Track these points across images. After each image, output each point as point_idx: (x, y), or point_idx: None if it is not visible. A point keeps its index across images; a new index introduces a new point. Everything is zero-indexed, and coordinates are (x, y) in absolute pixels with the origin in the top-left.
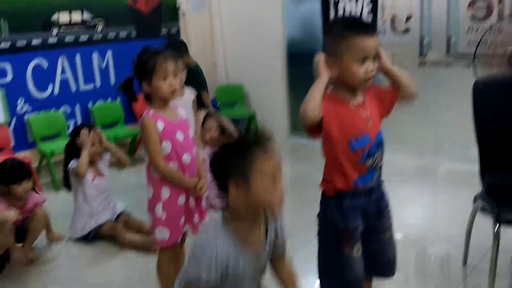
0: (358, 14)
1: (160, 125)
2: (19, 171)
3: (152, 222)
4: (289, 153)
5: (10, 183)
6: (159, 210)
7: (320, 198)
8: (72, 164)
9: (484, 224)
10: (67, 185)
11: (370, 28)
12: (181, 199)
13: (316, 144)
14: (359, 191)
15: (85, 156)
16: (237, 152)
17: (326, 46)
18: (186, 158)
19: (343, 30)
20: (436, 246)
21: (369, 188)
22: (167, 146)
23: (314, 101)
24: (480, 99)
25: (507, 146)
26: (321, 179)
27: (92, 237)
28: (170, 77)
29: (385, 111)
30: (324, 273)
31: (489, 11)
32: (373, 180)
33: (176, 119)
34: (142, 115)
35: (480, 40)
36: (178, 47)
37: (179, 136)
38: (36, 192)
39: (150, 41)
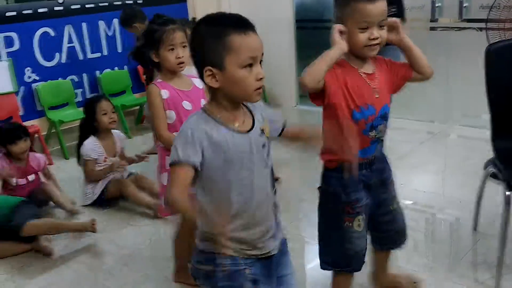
0: None
1: (165, 94)
2: (14, 132)
3: (159, 189)
4: (297, 120)
5: (6, 143)
6: (164, 179)
7: (322, 171)
8: (87, 152)
9: (495, 190)
10: (79, 163)
11: None
12: None
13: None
14: (361, 163)
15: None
16: (209, 34)
17: (334, 13)
18: None
19: None
20: (446, 212)
21: (370, 159)
22: (171, 115)
23: (316, 70)
24: (493, 64)
25: None
26: (321, 150)
27: (103, 200)
28: (177, 49)
29: (395, 86)
30: (324, 246)
31: None
32: (374, 152)
33: (188, 88)
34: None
35: (493, 4)
36: (132, 15)
37: (186, 105)
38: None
39: (157, 8)
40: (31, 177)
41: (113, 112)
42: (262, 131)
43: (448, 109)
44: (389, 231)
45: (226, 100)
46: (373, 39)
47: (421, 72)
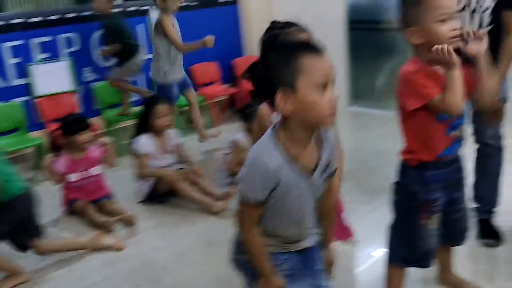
0: None
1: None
2: (79, 123)
3: None
4: (349, 122)
5: (72, 133)
6: None
7: (400, 167)
8: (141, 146)
9: None
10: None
11: None
12: None
13: (375, 113)
14: (442, 162)
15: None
16: (281, 56)
17: (405, 16)
18: None
19: None
20: (502, 218)
21: (452, 158)
22: None
23: (462, 96)
24: None
25: None
26: (403, 149)
27: (157, 196)
28: None
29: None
30: (396, 242)
31: None
32: (456, 151)
33: None
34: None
35: None
36: None
37: None
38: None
39: (208, 10)
40: (94, 170)
41: (168, 115)
42: (326, 168)
43: None
44: (455, 228)
45: (299, 127)
46: (454, 30)
47: (483, 94)
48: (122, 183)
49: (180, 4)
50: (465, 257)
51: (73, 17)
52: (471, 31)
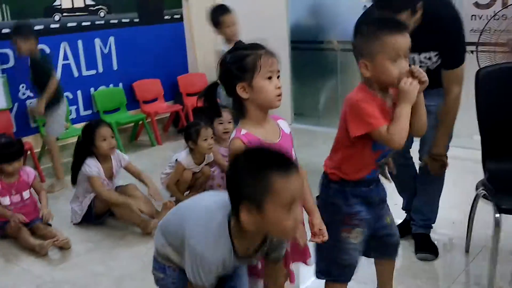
0: None
1: None
2: (9, 150)
3: None
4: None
5: (2, 162)
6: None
7: (322, 181)
8: (91, 169)
9: (487, 211)
10: (74, 182)
11: (402, 26)
12: None
13: (318, 130)
14: (361, 181)
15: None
16: (251, 171)
17: (359, 47)
18: None
19: (375, 30)
20: (439, 232)
21: (370, 180)
22: None
23: (405, 129)
24: (483, 87)
25: (510, 134)
26: (327, 163)
27: (93, 217)
28: (275, 78)
29: None
30: (319, 255)
31: None
32: (376, 175)
33: (277, 137)
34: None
35: (484, 28)
36: (20, 31)
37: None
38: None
39: (152, 27)
40: (26, 194)
41: (112, 137)
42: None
43: None
44: (385, 244)
45: (256, 234)
46: (405, 70)
47: (415, 128)
48: (56, 205)
49: None
50: (404, 271)
51: (7, 32)
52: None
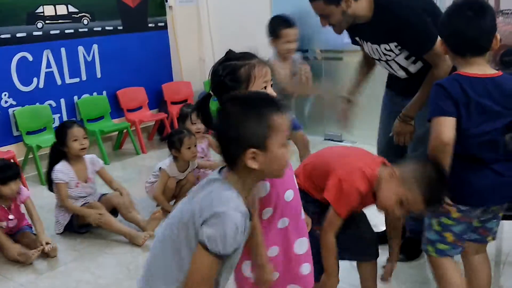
0: None
1: None
2: (6, 172)
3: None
4: None
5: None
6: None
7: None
8: (58, 175)
9: None
10: (50, 188)
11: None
12: None
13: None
14: None
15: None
16: (250, 115)
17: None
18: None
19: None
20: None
21: None
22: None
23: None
24: None
25: None
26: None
27: (76, 226)
28: (269, 88)
29: None
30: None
31: None
32: None
33: None
34: None
35: None
36: None
37: (288, 196)
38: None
39: (136, 35)
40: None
41: (84, 138)
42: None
43: None
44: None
45: (255, 180)
46: None
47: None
48: (41, 213)
49: None
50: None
51: None
52: None
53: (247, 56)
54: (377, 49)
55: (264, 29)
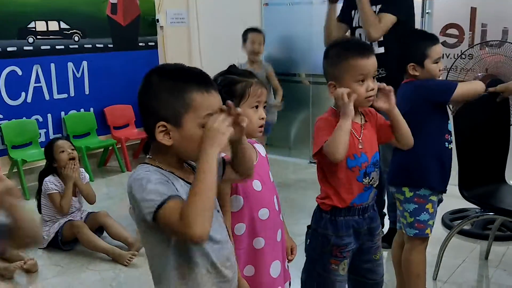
0: None
1: None
2: None
3: None
4: None
5: None
6: None
7: (315, 212)
8: (49, 186)
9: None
10: (39, 209)
11: (366, 48)
12: None
13: (290, 161)
14: (354, 209)
15: (69, 192)
16: (168, 87)
17: (327, 71)
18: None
19: (341, 53)
20: None
21: (364, 206)
22: (238, 201)
23: (344, 145)
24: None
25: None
26: (319, 195)
27: (60, 242)
28: (261, 108)
29: (380, 140)
30: (306, 286)
31: (460, 37)
32: (368, 199)
33: (254, 160)
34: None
35: (451, 66)
36: None
37: (256, 185)
38: None
39: (126, 54)
40: None
41: (72, 149)
42: None
43: None
44: (367, 279)
45: (175, 158)
46: (371, 90)
47: (401, 142)
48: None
49: None
50: None
51: None
52: (380, 87)
53: (247, 74)
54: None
55: None
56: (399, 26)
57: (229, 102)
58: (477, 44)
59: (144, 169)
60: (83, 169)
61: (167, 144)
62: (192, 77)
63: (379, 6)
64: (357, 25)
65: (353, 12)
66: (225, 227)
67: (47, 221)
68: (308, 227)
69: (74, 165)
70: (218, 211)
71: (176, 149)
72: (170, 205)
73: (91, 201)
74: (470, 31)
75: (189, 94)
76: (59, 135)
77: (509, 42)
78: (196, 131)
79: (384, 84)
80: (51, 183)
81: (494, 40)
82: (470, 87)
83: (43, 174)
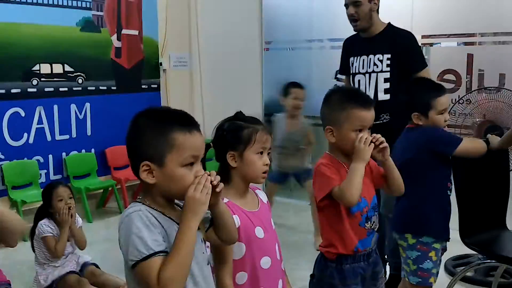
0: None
1: (236, 221)
2: None
3: None
4: None
5: None
6: None
7: (318, 259)
8: (44, 229)
9: None
10: (33, 249)
11: (369, 102)
12: None
13: (289, 202)
14: (359, 255)
15: (65, 236)
16: (152, 127)
17: (327, 115)
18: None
19: (343, 101)
20: None
21: (368, 252)
22: (241, 249)
23: (359, 189)
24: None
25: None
26: (322, 243)
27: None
28: (265, 155)
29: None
30: None
31: (458, 82)
32: (371, 244)
33: (256, 207)
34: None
35: (449, 110)
36: None
37: (259, 232)
38: None
39: (129, 96)
40: None
41: (70, 198)
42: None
43: None
44: None
45: (162, 197)
46: (368, 139)
47: (391, 189)
48: (21, 269)
49: None
50: None
51: None
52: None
53: (254, 121)
54: (370, 59)
55: (253, 96)
56: (406, 74)
57: (213, 172)
58: (475, 90)
59: (137, 207)
60: (77, 214)
61: (150, 183)
62: (175, 118)
63: (387, 56)
64: (356, 71)
65: (351, 59)
66: (212, 281)
67: (43, 263)
68: (312, 275)
69: (71, 213)
70: (208, 263)
71: (160, 188)
72: (152, 264)
73: (81, 247)
74: (468, 74)
75: (171, 134)
76: (59, 178)
77: (506, 89)
78: (178, 171)
79: (380, 138)
80: (46, 225)
81: (491, 86)
82: (474, 146)
83: (38, 217)
